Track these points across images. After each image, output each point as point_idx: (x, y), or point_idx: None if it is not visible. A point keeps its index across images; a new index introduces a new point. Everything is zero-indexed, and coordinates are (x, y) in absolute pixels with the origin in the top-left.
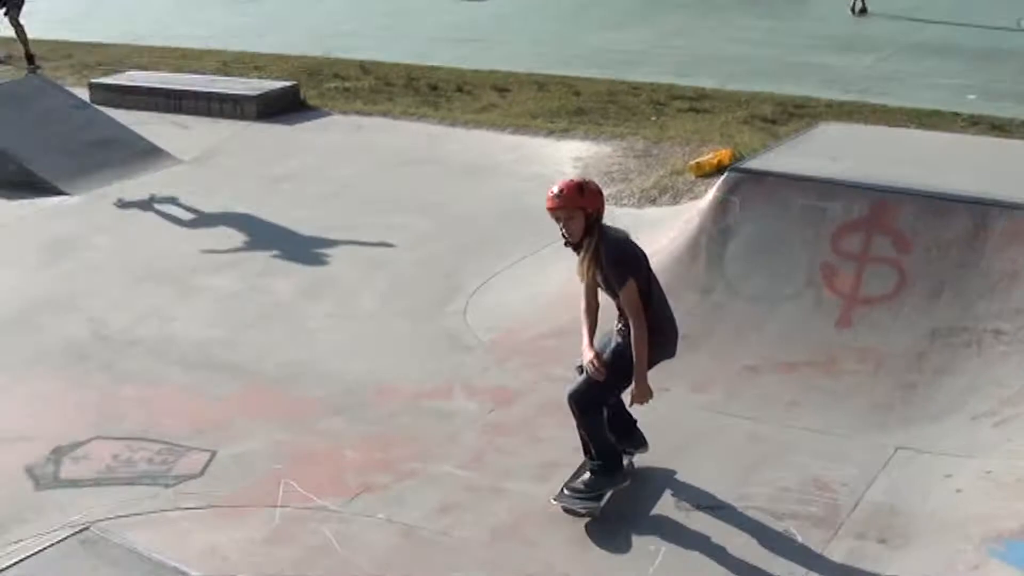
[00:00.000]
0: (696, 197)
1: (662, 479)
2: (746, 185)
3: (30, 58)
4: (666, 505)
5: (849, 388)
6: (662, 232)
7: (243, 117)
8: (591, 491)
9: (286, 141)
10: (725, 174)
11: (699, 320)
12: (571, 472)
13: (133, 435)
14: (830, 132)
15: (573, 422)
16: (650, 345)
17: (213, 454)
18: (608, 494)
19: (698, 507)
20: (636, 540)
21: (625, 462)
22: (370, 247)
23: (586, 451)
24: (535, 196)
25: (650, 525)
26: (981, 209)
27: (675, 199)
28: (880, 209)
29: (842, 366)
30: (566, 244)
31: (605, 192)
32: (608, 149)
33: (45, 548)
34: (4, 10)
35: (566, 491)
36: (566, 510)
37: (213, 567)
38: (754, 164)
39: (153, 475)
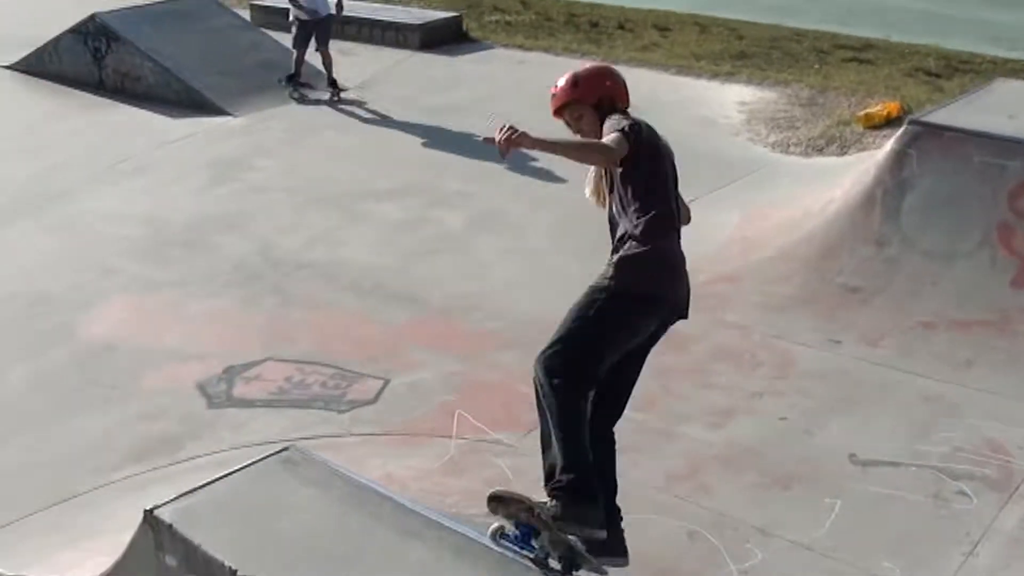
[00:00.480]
0: (864, 148)
1: (837, 431)
2: (925, 139)
3: None
4: (840, 459)
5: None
6: (834, 182)
7: (406, 46)
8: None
9: (449, 72)
10: (904, 126)
11: (872, 273)
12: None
13: (306, 358)
14: (1007, 89)
15: (744, 369)
16: (646, 253)
17: (386, 382)
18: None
19: (873, 462)
20: (812, 492)
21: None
22: (537, 183)
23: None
24: (703, 138)
25: (826, 478)
26: None
27: (842, 150)
28: None
29: (1017, 327)
30: None
31: (771, 139)
32: (773, 95)
33: (250, 464)
34: None
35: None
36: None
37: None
38: (933, 118)
39: (327, 399)
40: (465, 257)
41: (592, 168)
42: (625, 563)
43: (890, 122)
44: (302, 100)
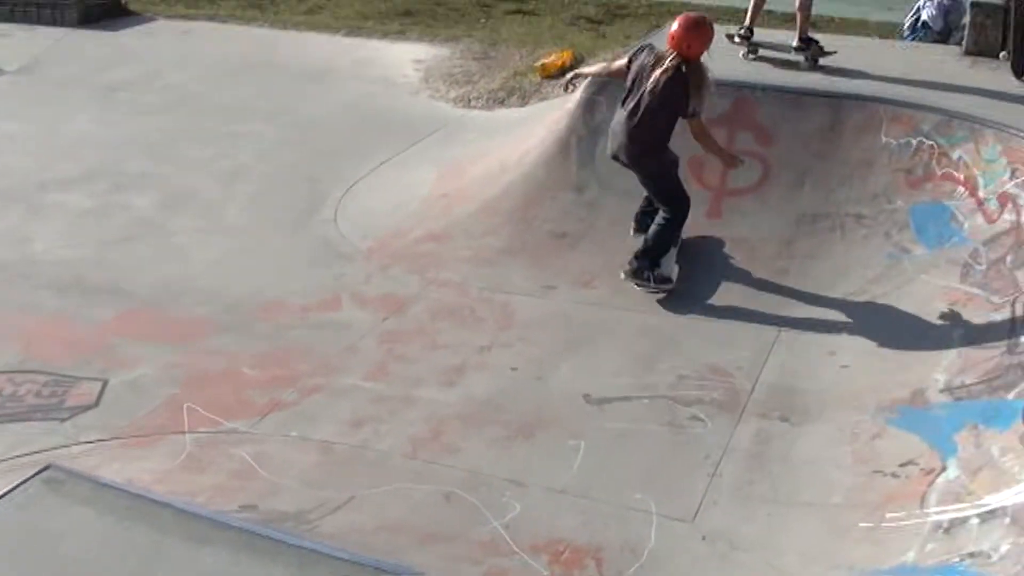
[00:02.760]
0: (544, 98)
1: (567, 375)
2: (611, 85)
3: None
4: (576, 401)
5: (727, 277)
6: (523, 132)
7: (63, 23)
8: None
9: (113, 48)
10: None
11: (576, 218)
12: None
13: (14, 368)
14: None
15: (468, 325)
16: None
17: (105, 382)
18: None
19: (607, 400)
20: (555, 437)
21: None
22: (224, 157)
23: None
24: (384, 99)
25: (566, 421)
26: (835, 103)
27: (523, 100)
28: (741, 105)
29: (717, 256)
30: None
31: (451, 95)
32: (446, 52)
33: (9, 492)
34: None
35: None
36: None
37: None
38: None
39: (45, 409)
40: (164, 241)
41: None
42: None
43: (565, 70)
44: None
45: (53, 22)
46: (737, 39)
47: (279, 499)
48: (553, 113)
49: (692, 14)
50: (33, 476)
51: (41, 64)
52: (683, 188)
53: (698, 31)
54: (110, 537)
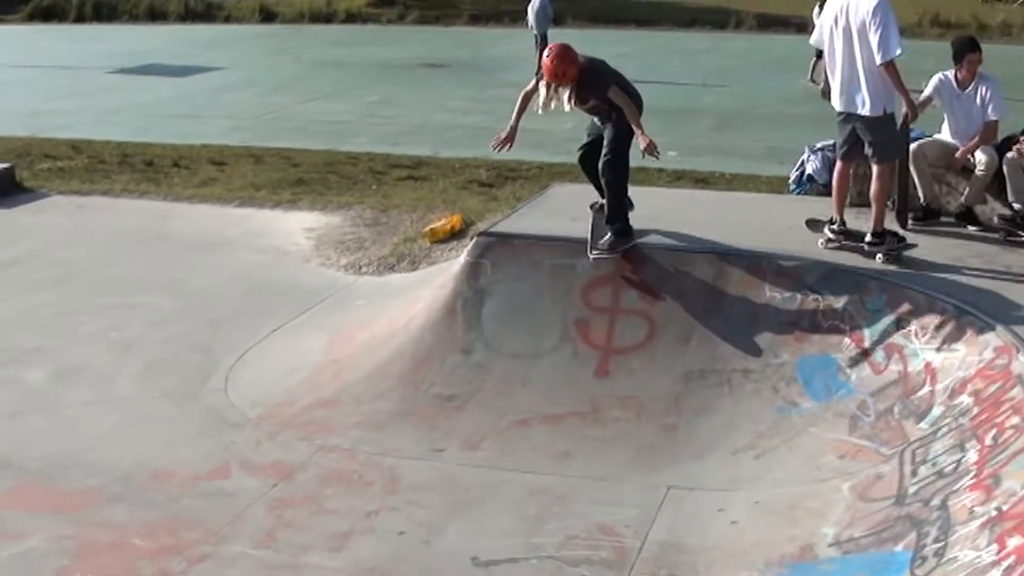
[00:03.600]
0: (434, 262)
1: (455, 537)
2: (496, 248)
3: None
4: (463, 563)
5: (616, 434)
6: (412, 296)
7: None
8: (613, 248)
9: (5, 225)
10: (475, 238)
11: (464, 380)
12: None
13: None
14: (563, 193)
15: (355, 490)
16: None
17: None
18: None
19: (494, 562)
20: None
21: None
22: (116, 329)
23: (606, 216)
24: (275, 268)
25: None
26: (719, 258)
27: (413, 265)
28: (626, 264)
29: (606, 414)
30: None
31: (342, 262)
32: (337, 219)
33: None
34: None
35: (594, 252)
36: (597, 260)
37: None
38: (501, 227)
39: None
40: (55, 415)
41: (542, 92)
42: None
43: (455, 234)
44: None
45: None
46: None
47: None
48: (439, 277)
49: (554, 47)
50: None
51: None
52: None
53: (563, 59)
54: None
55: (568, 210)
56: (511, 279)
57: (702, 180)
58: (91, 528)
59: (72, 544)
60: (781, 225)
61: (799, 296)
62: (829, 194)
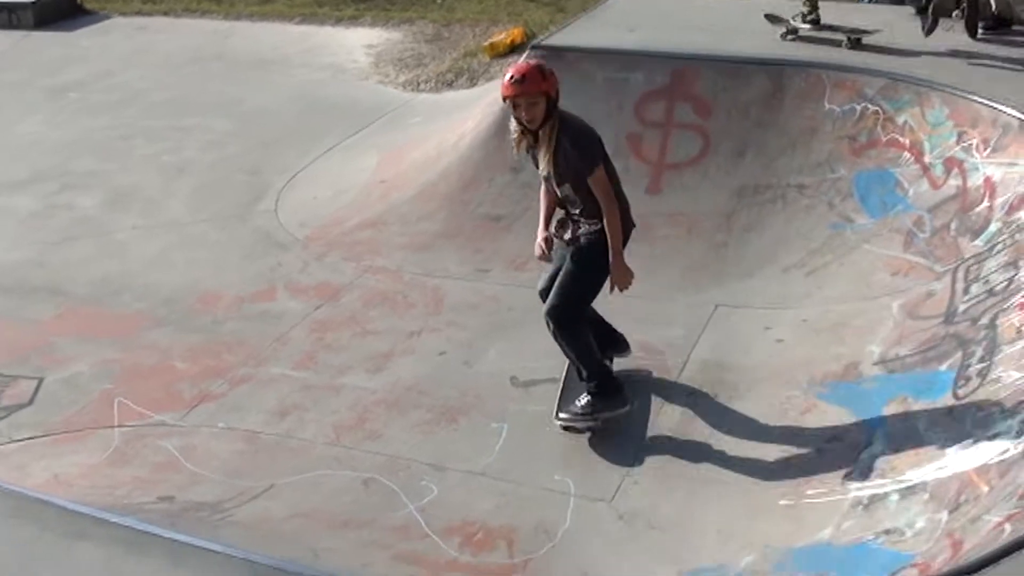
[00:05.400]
0: (492, 78)
1: (495, 358)
2: (548, 61)
3: None
4: (502, 384)
5: (665, 252)
6: (466, 115)
7: (20, 26)
8: (589, 414)
9: (68, 48)
10: (527, 52)
11: (512, 200)
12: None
13: None
14: (623, 4)
15: (399, 311)
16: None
17: (40, 381)
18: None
19: (533, 382)
20: (478, 420)
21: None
22: (169, 152)
23: (578, 374)
24: (332, 86)
25: (490, 405)
26: (777, 70)
27: (472, 81)
28: (679, 76)
29: (655, 231)
30: (522, 132)
31: (400, 79)
32: (398, 35)
33: None
34: None
35: (562, 414)
36: (567, 428)
37: (58, 496)
38: (554, 40)
39: None
40: (104, 239)
41: (513, 129)
42: (629, 352)
43: (515, 48)
44: None
45: (10, 25)
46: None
47: (198, 490)
48: (490, 94)
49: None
50: None
51: None
52: None
53: (534, 70)
54: None
55: (628, 21)
56: (564, 93)
57: None
58: (136, 352)
59: (117, 367)
60: (841, 36)
61: (858, 108)
62: (901, 2)
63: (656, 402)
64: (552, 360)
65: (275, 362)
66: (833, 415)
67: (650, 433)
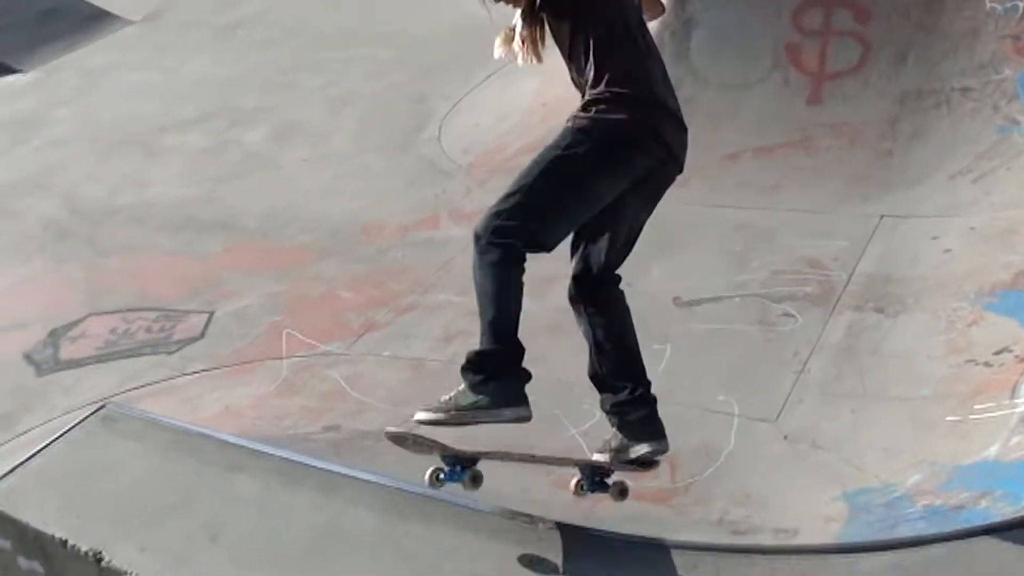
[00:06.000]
0: None
1: (658, 277)
2: None
3: None
4: (665, 303)
5: (828, 163)
6: None
7: None
8: (454, 416)
9: None
10: None
11: None
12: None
13: (127, 307)
14: None
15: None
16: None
17: (211, 315)
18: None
19: (697, 301)
20: (642, 341)
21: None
22: (334, 84)
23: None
24: (493, 12)
25: (653, 325)
26: None
27: None
28: None
29: (818, 143)
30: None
31: None
32: None
33: (68, 430)
34: None
35: (422, 410)
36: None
37: (229, 426)
38: None
39: (154, 344)
40: (271, 173)
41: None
42: (662, 450)
43: None
44: None
45: None
46: None
47: (363, 418)
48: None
49: None
50: (90, 415)
51: (164, 11)
52: None
53: None
54: (156, 468)
55: None
56: (719, 6)
57: None
58: (302, 283)
59: (283, 300)
60: None
61: (1021, 5)
62: None
63: (820, 318)
64: (717, 278)
65: (440, 289)
66: (1001, 326)
67: (815, 351)
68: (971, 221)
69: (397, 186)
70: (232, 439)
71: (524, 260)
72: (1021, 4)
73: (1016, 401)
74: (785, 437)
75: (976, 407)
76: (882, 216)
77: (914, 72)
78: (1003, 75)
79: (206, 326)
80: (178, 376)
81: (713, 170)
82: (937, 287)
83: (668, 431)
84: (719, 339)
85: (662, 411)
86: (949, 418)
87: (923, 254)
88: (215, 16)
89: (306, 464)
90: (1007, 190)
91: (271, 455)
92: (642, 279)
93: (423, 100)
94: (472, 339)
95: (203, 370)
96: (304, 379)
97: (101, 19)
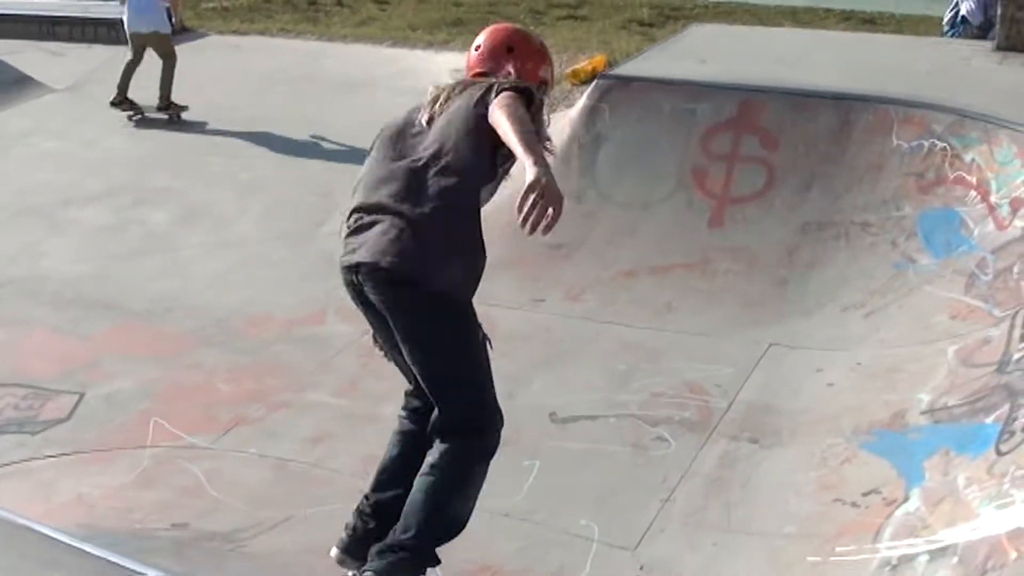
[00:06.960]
0: (571, 105)
1: (538, 391)
2: (615, 91)
3: None
4: (541, 419)
5: (723, 287)
6: None
7: (119, 42)
8: None
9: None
10: (595, 81)
11: (573, 228)
12: None
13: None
14: (700, 34)
15: None
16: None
17: (81, 396)
18: None
19: (573, 418)
20: (512, 456)
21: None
22: (246, 170)
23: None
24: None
25: (525, 440)
26: (845, 104)
27: (551, 108)
28: (746, 109)
29: (716, 266)
30: None
31: None
32: None
33: None
34: None
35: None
36: None
37: (77, 516)
38: (623, 70)
39: (19, 422)
40: (168, 255)
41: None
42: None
43: (596, 76)
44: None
45: (109, 40)
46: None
47: (216, 518)
48: (559, 122)
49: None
50: None
51: (89, 82)
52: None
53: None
54: None
55: (699, 52)
56: (629, 124)
57: (869, 21)
58: (180, 371)
59: (158, 386)
60: (918, 70)
61: (926, 144)
62: (984, 37)
63: (694, 445)
64: (597, 396)
65: (316, 388)
66: (873, 467)
67: (684, 479)
68: (858, 356)
69: (291, 278)
70: (53, 533)
71: None
72: (926, 143)
73: (877, 546)
74: (641, 567)
75: (838, 549)
76: (770, 344)
77: (817, 202)
78: (903, 212)
79: (74, 407)
80: (37, 458)
81: (608, 286)
82: (815, 421)
83: (525, 551)
84: (590, 459)
85: (523, 529)
86: (810, 558)
87: (806, 386)
88: (136, 92)
89: (125, 568)
90: (896, 327)
91: (90, 554)
92: (522, 391)
93: (329, 193)
94: (339, 443)
95: (62, 454)
96: (164, 471)
97: (24, 84)
